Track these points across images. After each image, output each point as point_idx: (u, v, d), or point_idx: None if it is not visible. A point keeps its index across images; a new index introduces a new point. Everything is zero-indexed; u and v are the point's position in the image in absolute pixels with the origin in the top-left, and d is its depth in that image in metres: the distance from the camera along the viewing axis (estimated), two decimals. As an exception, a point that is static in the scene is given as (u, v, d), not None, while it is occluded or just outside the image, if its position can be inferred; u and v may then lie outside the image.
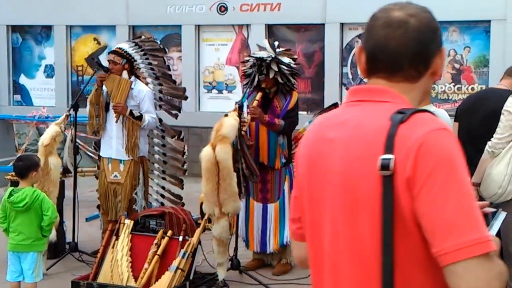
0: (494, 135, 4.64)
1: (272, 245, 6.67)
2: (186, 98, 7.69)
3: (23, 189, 5.45)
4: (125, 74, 6.97)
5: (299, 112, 6.96)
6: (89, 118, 7.02)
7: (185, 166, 7.55)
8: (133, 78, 7.00)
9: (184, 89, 7.80)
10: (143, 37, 7.57)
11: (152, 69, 7.32)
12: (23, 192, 5.41)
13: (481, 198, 4.74)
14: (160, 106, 7.48)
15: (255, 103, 6.41)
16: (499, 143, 4.59)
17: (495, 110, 4.99)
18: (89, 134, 7.48)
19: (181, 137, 7.58)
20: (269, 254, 6.80)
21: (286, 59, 6.55)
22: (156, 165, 7.64)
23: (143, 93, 6.96)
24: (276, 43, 6.73)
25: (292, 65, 6.58)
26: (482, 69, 10.68)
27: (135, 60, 7.12)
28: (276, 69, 6.42)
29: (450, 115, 5.26)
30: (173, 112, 7.55)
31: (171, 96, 7.55)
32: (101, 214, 7.18)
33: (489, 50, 10.50)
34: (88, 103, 7.00)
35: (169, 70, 7.52)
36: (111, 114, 6.94)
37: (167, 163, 7.59)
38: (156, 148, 7.59)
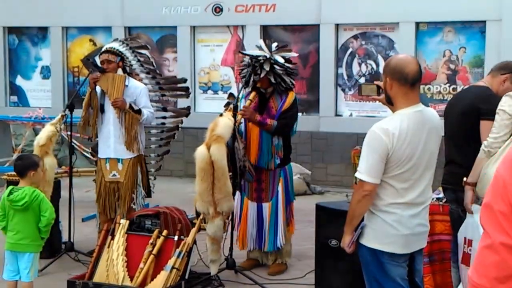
0: (490, 135, 4.64)
1: (267, 244, 6.67)
2: (185, 80, 7.82)
3: (22, 188, 5.45)
4: (120, 72, 7.00)
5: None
6: (81, 121, 7.00)
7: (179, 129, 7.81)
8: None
9: (175, 77, 7.92)
10: (119, 39, 7.67)
11: (141, 65, 7.37)
12: (23, 191, 5.40)
13: (477, 198, 4.75)
14: (163, 95, 7.60)
15: (247, 103, 6.39)
16: (495, 142, 4.60)
17: (468, 107, 5.06)
18: (80, 136, 7.48)
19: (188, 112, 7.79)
20: (264, 254, 6.79)
21: (280, 59, 6.46)
22: (152, 155, 7.72)
23: (139, 89, 6.98)
24: (275, 44, 6.63)
25: (286, 64, 6.47)
26: (478, 69, 10.69)
27: (127, 58, 7.14)
28: (268, 69, 6.37)
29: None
30: (182, 93, 7.74)
31: (171, 83, 7.70)
32: (99, 213, 7.14)
33: (484, 50, 10.52)
34: (83, 106, 7.00)
35: (153, 66, 7.60)
36: (107, 116, 6.92)
37: (162, 146, 7.74)
38: (153, 139, 7.67)
